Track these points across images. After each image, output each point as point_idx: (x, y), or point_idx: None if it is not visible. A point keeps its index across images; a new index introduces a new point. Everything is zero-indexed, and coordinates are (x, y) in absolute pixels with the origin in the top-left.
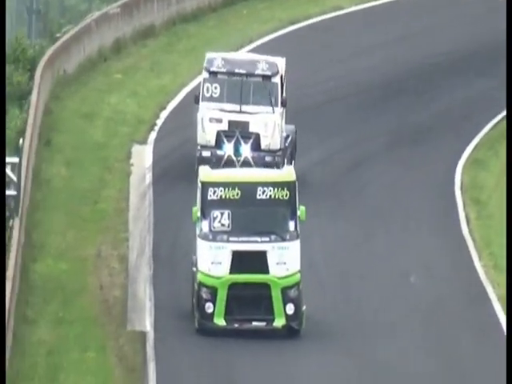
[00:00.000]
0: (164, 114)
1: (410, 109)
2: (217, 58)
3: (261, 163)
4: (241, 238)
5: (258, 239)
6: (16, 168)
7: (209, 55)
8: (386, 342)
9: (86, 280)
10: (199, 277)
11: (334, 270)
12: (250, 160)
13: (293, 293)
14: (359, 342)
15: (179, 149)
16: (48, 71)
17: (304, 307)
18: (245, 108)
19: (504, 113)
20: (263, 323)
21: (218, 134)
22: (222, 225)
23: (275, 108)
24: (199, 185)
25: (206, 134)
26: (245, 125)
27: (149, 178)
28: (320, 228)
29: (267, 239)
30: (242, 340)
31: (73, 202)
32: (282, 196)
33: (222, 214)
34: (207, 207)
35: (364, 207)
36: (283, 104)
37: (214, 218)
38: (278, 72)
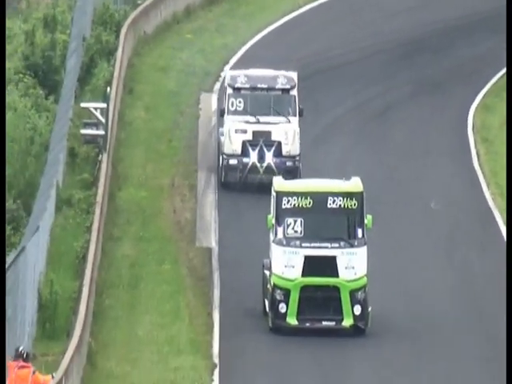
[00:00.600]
0: (227, 68)
1: (430, 64)
2: (240, 75)
3: (282, 168)
4: (312, 244)
5: (329, 245)
6: (104, 112)
7: (231, 73)
8: (408, 254)
9: (161, 205)
10: (273, 279)
11: (367, 196)
12: (273, 165)
13: (360, 295)
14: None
15: None
16: (131, 32)
17: (370, 308)
18: (267, 119)
19: None
20: (333, 323)
21: (244, 143)
22: (295, 231)
23: (294, 117)
24: (274, 194)
25: (233, 144)
26: (268, 134)
27: (214, 120)
28: (355, 161)
29: (337, 245)
30: None
31: (151, 140)
32: (351, 205)
33: (295, 221)
34: (281, 215)
35: (391, 145)
36: (300, 114)
37: (288, 225)
38: (295, 85)
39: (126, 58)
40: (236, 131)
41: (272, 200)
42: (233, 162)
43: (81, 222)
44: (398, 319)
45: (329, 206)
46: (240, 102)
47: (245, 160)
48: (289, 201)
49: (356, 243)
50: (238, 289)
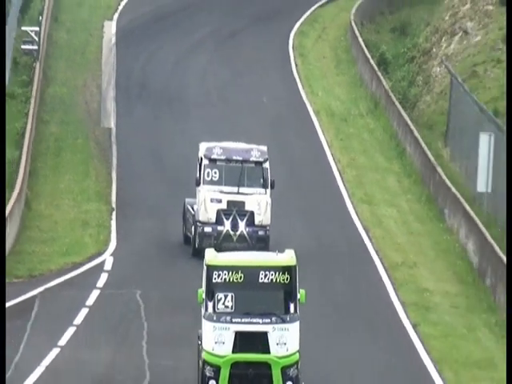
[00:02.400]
0: (123, 3)
1: (266, 2)
2: (215, 147)
3: (254, 237)
4: (243, 319)
5: (260, 320)
6: (37, 34)
7: (206, 144)
8: (245, 134)
9: (77, 98)
10: (204, 355)
11: (216, 94)
12: (245, 234)
13: (292, 371)
14: None
15: (133, 22)
16: None
17: None
18: (241, 190)
19: (317, 4)
20: None
21: (218, 212)
22: (226, 306)
23: (266, 190)
24: (205, 268)
25: (208, 212)
26: (241, 204)
27: (114, 39)
28: (212, 69)
29: (268, 320)
30: None
31: (70, 54)
32: (283, 280)
33: (225, 296)
34: (212, 289)
35: (238, 58)
36: (272, 186)
37: (219, 300)
38: (267, 159)
39: None
40: (212, 200)
41: (203, 273)
42: (208, 229)
43: (21, 110)
44: None
45: (260, 280)
46: (215, 173)
47: (219, 228)
48: (219, 275)
49: (288, 318)
50: (129, 156)
